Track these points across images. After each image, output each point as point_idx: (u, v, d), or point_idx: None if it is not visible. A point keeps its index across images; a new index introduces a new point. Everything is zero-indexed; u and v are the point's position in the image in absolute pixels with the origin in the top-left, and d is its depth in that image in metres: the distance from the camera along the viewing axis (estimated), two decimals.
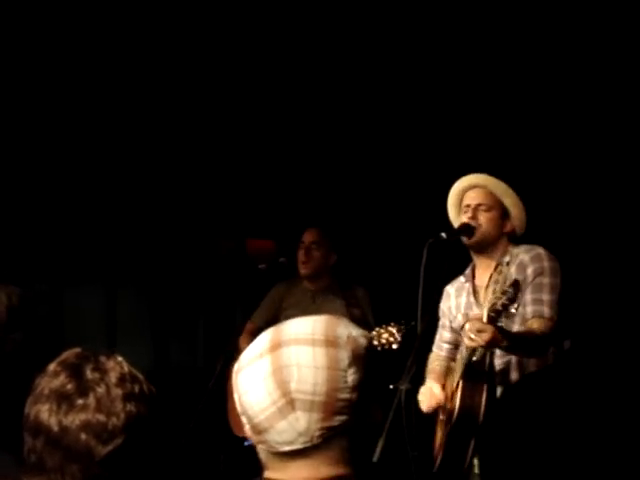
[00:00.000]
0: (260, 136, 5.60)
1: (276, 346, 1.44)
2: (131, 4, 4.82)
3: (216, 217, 5.87)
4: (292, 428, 1.39)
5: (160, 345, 6.11)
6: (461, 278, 3.75)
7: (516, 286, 3.11)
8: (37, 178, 5.57)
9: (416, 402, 3.60)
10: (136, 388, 1.51)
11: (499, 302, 3.11)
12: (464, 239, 3.56)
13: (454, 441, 3.44)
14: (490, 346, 3.21)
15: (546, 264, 3.44)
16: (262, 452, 1.46)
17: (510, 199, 3.58)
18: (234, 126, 5.60)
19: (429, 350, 3.90)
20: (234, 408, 5.09)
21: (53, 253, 5.81)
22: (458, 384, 3.42)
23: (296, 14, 4.87)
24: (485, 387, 3.37)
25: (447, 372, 3.73)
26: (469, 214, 3.57)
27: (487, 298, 3.44)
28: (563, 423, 3.45)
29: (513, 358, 3.45)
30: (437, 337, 3.85)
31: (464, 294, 3.69)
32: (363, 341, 1.46)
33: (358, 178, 5.49)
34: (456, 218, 3.70)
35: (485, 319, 3.13)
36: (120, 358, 1.55)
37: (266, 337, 1.48)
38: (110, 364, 1.52)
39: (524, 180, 3.97)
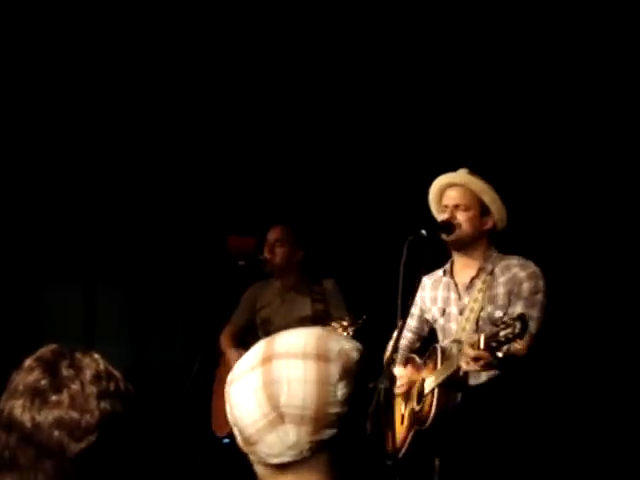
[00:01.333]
0: (240, 135, 5.60)
1: (267, 359, 1.44)
2: (131, 4, 4.82)
3: (196, 215, 5.86)
4: (281, 441, 1.40)
5: (139, 343, 6.09)
6: (439, 272, 3.75)
7: (523, 321, 3.06)
8: (15, 177, 5.54)
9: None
10: (112, 386, 1.49)
11: (502, 333, 3.07)
12: (444, 236, 3.55)
13: (422, 443, 3.49)
14: (482, 371, 3.28)
15: (541, 283, 3.47)
16: (255, 464, 1.47)
17: (488, 196, 3.58)
18: (214, 125, 5.61)
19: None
20: (216, 407, 5.05)
21: (33, 251, 5.78)
22: (433, 391, 3.43)
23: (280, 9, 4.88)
24: (459, 397, 3.44)
25: (407, 361, 3.75)
26: (447, 215, 3.57)
27: (469, 304, 3.46)
28: (523, 425, 3.47)
29: None
30: (405, 328, 3.82)
31: (441, 287, 3.70)
32: (355, 355, 1.46)
33: (338, 174, 5.49)
34: (439, 215, 3.70)
35: (482, 345, 3.12)
36: (97, 355, 1.53)
37: (258, 350, 1.48)
38: (86, 361, 1.50)
39: (505, 177, 3.98)
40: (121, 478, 1.50)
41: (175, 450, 5.01)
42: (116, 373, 1.52)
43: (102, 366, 1.51)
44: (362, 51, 5.03)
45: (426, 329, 3.76)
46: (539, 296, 3.44)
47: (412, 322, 3.81)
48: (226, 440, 4.70)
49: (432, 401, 3.41)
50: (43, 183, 5.66)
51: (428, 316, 3.72)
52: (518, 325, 3.05)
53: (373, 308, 4.17)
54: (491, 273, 3.48)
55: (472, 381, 3.46)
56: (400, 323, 3.35)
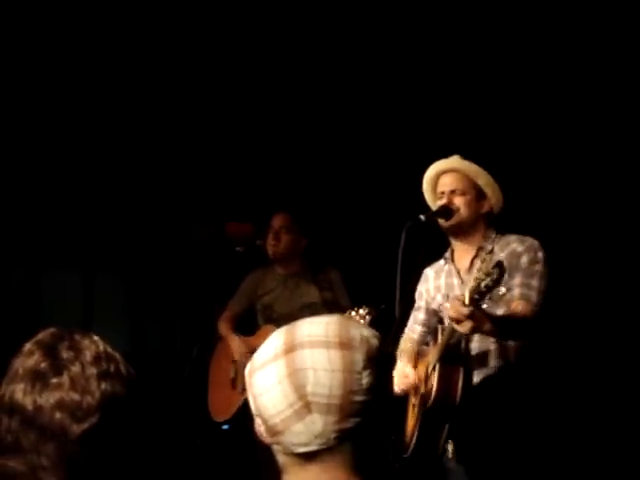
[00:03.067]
0: (238, 121, 5.59)
1: (290, 349, 1.44)
2: (131, 4, 4.81)
3: (194, 201, 5.85)
4: (308, 430, 1.41)
5: (137, 329, 6.09)
6: (441, 261, 3.73)
7: (500, 267, 3.07)
8: (12, 164, 5.52)
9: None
10: (112, 367, 1.50)
11: (482, 283, 3.08)
12: (442, 222, 3.55)
13: (429, 425, 3.44)
14: (474, 331, 3.22)
15: (540, 254, 3.45)
16: (279, 455, 1.48)
17: (483, 179, 3.57)
18: (211, 111, 5.59)
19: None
20: (214, 393, 5.06)
21: (30, 238, 5.77)
22: (434, 367, 3.41)
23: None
24: (462, 371, 3.37)
25: (419, 354, 3.72)
26: (444, 200, 3.57)
27: (469, 282, 3.44)
28: (539, 412, 3.46)
29: (492, 344, 3.45)
30: (411, 319, 3.83)
31: (443, 275, 3.68)
32: (375, 341, 1.47)
33: (336, 161, 5.48)
34: (433, 204, 3.70)
35: (467, 301, 3.11)
36: (96, 337, 1.54)
37: (279, 339, 1.48)
38: (85, 343, 1.51)
39: (502, 164, 3.97)
40: (124, 459, 1.50)
41: (175, 436, 5.03)
42: (116, 354, 1.53)
43: (102, 347, 1.52)
44: (360, 44, 5.02)
45: (434, 320, 3.74)
46: (538, 266, 3.42)
47: (420, 315, 3.79)
48: (225, 426, 4.71)
49: (433, 378, 3.38)
50: (42, 171, 5.65)
51: (434, 305, 3.70)
52: (496, 272, 3.05)
53: (372, 295, 4.17)
54: (490, 252, 3.46)
55: (492, 362, 3.43)
56: (398, 310, 3.36)
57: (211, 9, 4.95)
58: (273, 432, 1.44)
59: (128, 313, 6.16)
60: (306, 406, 1.40)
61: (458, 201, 3.55)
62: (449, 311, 3.21)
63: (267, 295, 4.79)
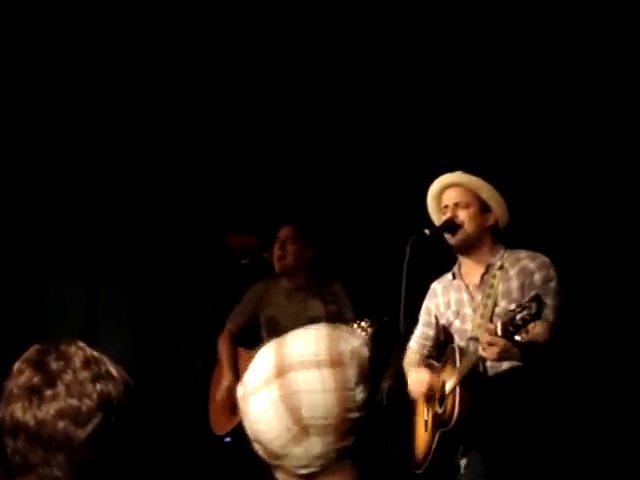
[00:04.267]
0: (242, 133, 5.58)
1: (281, 372, 1.43)
2: (131, 4, 4.81)
3: (198, 212, 5.85)
4: (308, 453, 1.41)
5: (141, 340, 6.09)
6: (448, 275, 3.72)
7: (539, 301, 3.02)
8: (16, 173, 5.53)
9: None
10: (103, 369, 1.51)
11: (518, 316, 3.04)
12: (449, 238, 3.54)
13: (446, 445, 3.43)
14: (501, 359, 3.23)
15: (552, 272, 3.44)
16: (279, 475, 1.47)
17: (487, 192, 3.56)
18: (216, 122, 5.58)
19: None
20: (215, 407, 5.04)
21: (34, 247, 5.77)
22: (454, 389, 3.39)
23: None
24: (482, 394, 3.36)
25: (428, 367, 3.71)
26: (449, 214, 3.56)
27: (482, 300, 3.44)
28: (544, 415, 3.44)
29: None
30: (417, 334, 3.82)
31: (452, 292, 3.66)
32: (365, 351, 1.46)
33: (341, 174, 5.48)
34: (438, 220, 3.69)
35: (500, 332, 3.10)
36: (81, 343, 1.55)
37: (269, 360, 1.46)
38: (72, 350, 1.52)
39: (507, 179, 3.97)
40: (132, 457, 1.51)
41: (178, 446, 5.02)
42: (103, 357, 1.54)
43: (89, 352, 1.53)
44: (366, 57, 5.02)
45: (442, 337, 3.73)
46: (552, 284, 3.40)
47: (430, 331, 3.78)
48: (227, 439, 4.70)
49: (454, 401, 3.36)
50: (45, 180, 5.65)
51: (443, 321, 3.68)
52: (534, 306, 3.01)
53: (376, 308, 4.17)
54: (501, 268, 3.46)
55: (491, 371, 3.41)
56: (403, 323, 3.36)
57: (213, 13, 4.94)
58: (274, 456, 1.44)
59: (131, 323, 6.15)
60: (303, 429, 1.39)
61: (462, 214, 3.54)
62: (483, 338, 3.19)
63: (271, 307, 4.78)
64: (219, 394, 4.77)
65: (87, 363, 1.50)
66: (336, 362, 1.42)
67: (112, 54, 5.14)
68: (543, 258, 3.49)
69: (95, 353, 1.54)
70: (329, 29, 4.94)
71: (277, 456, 1.43)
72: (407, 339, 3.77)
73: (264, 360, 1.47)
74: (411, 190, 4.05)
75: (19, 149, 5.49)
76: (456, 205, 3.56)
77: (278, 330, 4.69)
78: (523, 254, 3.52)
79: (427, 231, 3.50)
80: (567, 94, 4.75)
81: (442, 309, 3.70)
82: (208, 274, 5.69)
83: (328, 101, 5.29)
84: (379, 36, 4.92)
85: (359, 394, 1.41)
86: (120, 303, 6.16)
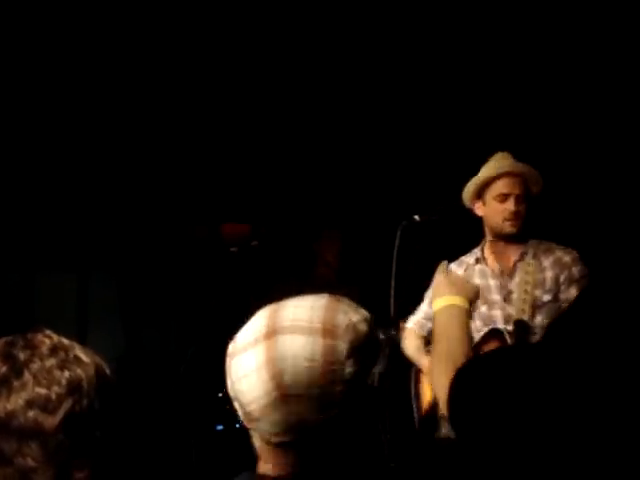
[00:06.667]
0: (235, 123, 5.58)
1: (272, 333, 1.38)
2: (131, 4, 4.80)
3: (190, 202, 5.84)
4: (284, 421, 1.36)
5: (132, 331, 6.08)
6: (468, 259, 3.65)
7: None
8: (7, 167, 5.52)
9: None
10: (70, 354, 1.48)
11: None
12: (508, 227, 3.46)
13: None
14: None
15: (585, 268, 3.44)
16: (255, 439, 1.43)
17: (537, 187, 3.50)
18: (209, 112, 5.57)
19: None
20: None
21: (25, 240, 5.76)
22: None
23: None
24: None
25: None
26: (512, 206, 3.44)
27: (522, 286, 3.35)
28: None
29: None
30: (420, 314, 3.78)
31: (476, 277, 3.56)
32: (363, 327, 1.40)
33: (334, 160, 5.48)
34: (472, 200, 3.56)
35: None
36: (49, 331, 1.53)
37: (262, 320, 1.42)
38: (39, 338, 1.50)
39: None
40: (108, 444, 1.50)
41: (169, 437, 5.02)
42: (73, 343, 1.51)
43: (56, 339, 1.50)
44: (366, 52, 5.01)
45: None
46: (587, 280, 3.40)
47: None
48: (219, 427, 4.71)
49: None
50: (37, 173, 5.64)
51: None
52: None
53: (367, 296, 4.17)
54: (534, 256, 3.44)
55: None
56: (394, 306, 3.35)
57: (213, 13, 4.94)
58: (250, 418, 1.39)
59: (122, 315, 6.15)
60: (283, 396, 1.34)
61: (522, 208, 3.46)
62: None
63: None
64: None
65: (54, 350, 1.47)
66: (329, 332, 1.37)
67: (104, 48, 5.14)
68: (575, 253, 3.48)
69: (64, 340, 1.51)
70: (324, 19, 4.93)
71: (253, 419, 1.38)
72: (398, 325, 3.75)
73: (258, 320, 1.43)
74: (402, 176, 4.05)
75: (9, 144, 5.48)
76: (518, 196, 3.45)
77: None
78: (553, 245, 3.51)
79: (417, 217, 3.49)
80: (567, 94, 4.75)
81: None
82: (198, 264, 5.69)
83: (317, 90, 5.28)
84: (379, 36, 4.91)
85: (348, 368, 1.35)
86: (111, 295, 6.15)
